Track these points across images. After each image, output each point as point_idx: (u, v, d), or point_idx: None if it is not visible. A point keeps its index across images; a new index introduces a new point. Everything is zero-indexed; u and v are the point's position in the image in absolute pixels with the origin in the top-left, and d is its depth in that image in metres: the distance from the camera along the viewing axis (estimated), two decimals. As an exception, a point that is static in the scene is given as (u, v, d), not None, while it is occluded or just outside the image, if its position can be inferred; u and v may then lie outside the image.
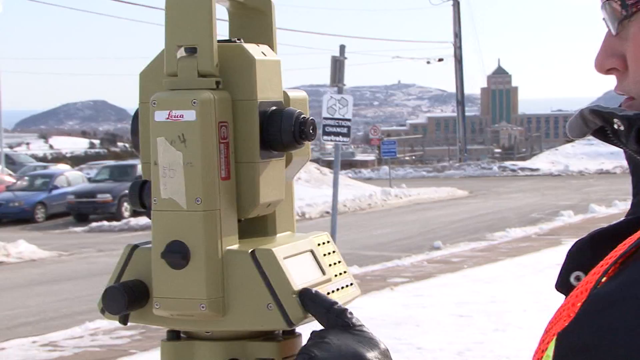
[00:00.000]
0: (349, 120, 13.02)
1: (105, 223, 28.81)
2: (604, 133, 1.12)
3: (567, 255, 1.14)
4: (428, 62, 57.64)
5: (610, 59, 1.08)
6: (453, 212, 28.26)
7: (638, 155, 1.07)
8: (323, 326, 1.31)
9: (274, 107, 1.44)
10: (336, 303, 1.31)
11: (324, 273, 1.46)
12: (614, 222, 1.14)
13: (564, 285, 1.10)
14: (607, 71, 1.09)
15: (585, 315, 0.89)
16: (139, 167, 1.55)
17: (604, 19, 1.08)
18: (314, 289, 1.35)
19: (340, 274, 1.50)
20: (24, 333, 12.41)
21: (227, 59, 1.41)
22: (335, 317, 1.29)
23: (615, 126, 1.08)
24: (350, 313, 1.29)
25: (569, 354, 0.89)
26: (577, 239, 1.15)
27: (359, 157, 65.53)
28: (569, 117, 1.16)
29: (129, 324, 1.47)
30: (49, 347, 11.29)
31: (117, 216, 29.51)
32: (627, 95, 1.08)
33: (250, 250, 1.38)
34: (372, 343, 1.25)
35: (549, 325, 0.95)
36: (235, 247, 1.40)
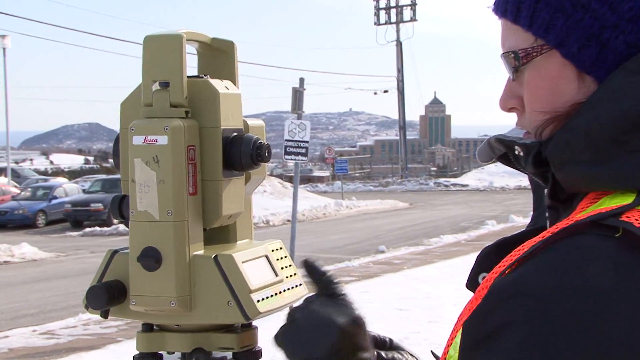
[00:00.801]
0: (307, 142, 13.02)
1: (97, 228, 28.54)
2: (507, 158, 1.13)
3: (476, 259, 1.15)
4: (375, 93, 57.86)
5: (511, 100, 1.10)
6: (395, 221, 28.31)
7: (535, 177, 1.09)
8: (316, 291, 1.26)
9: (235, 134, 1.43)
10: (326, 273, 1.26)
11: (276, 275, 1.46)
12: (516, 232, 1.15)
13: (472, 284, 1.12)
14: (509, 110, 1.11)
15: (484, 308, 0.90)
16: (124, 182, 1.54)
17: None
18: (315, 260, 1.29)
19: (291, 275, 1.50)
20: (25, 323, 12.26)
21: (195, 92, 1.41)
22: (325, 286, 1.24)
23: (516, 152, 1.10)
24: (336, 283, 1.25)
25: (472, 343, 0.90)
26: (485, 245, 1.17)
27: (316, 173, 65.46)
28: None
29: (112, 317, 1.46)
30: (47, 335, 11.16)
31: (108, 222, 29.17)
32: (525, 130, 1.10)
33: (213, 255, 1.38)
34: (348, 311, 1.20)
35: (459, 318, 0.96)
36: (201, 252, 1.39)
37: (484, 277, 1.09)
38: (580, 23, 1.00)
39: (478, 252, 1.17)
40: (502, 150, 1.14)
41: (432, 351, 1.35)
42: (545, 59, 1.04)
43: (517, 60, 1.07)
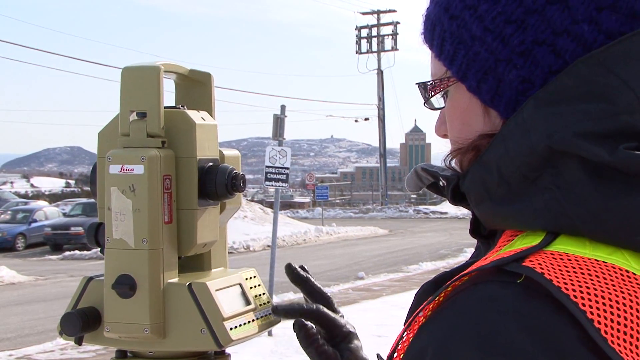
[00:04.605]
0: (287, 168, 13.05)
1: (77, 252, 28.37)
2: (437, 187, 1.12)
3: (414, 298, 1.12)
4: (356, 121, 57.92)
5: (443, 126, 1.07)
6: (375, 248, 28.29)
7: (455, 206, 1.07)
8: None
9: (210, 163, 1.45)
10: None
11: (249, 303, 1.47)
12: (456, 265, 1.11)
13: None
14: (443, 136, 1.08)
15: None
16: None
17: None
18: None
19: (264, 303, 1.52)
20: (2, 347, 12.14)
21: (172, 122, 1.42)
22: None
23: (440, 183, 1.09)
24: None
25: None
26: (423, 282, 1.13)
27: (297, 199, 65.44)
28: None
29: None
30: (24, 360, 11.06)
31: (88, 246, 28.95)
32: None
33: (187, 283, 1.39)
34: None
35: (393, 348, 0.93)
36: (175, 280, 1.40)
37: None
38: (477, 56, 0.96)
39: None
40: (430, 179, 1.12)
41: (378, 354, 1.35)
42: (455, 90, 1.01)
43: (426, 92, 1.05)
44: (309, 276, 1.41)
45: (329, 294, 1.41)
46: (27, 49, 33.73)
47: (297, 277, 1.41)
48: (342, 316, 1.38)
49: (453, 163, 1.04)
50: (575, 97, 0.88)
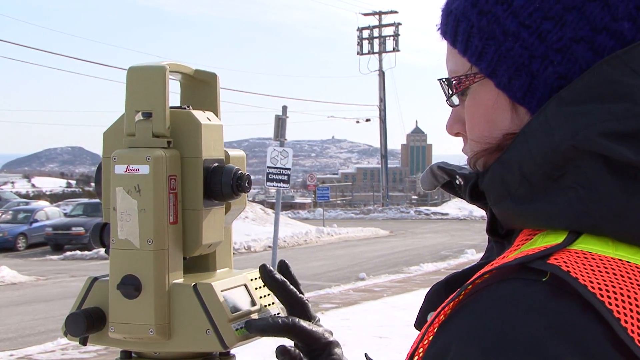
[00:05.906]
0: (289, 169, 13.08)
1: (78, 252, 28.36)
2: (452, 186, 1.11)
3: (424, 298, 1.10)
4: (357, 122, 57.86)
5: (457, 124, 1.06)
6: (376, 249, 28.28)
7: (479, 207, 1.06)
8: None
9: (216, 164, 1.44)
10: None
11: (255, 304, 1.46)
12: (467, 266, 1.10)
13: (421, 324, 1.06)
14: (455, 134, 1.07)
15: None
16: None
17: None
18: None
19: (270, 304, 1.51)
20: (2, 347, 12.14)
21: (177, 122, 1.41)
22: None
23: (457, 182, 1.08)
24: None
25: None
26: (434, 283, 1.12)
27: (298, 200, 65.36)
28: None
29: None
30: (25, 360, 11.05)
31: (89, 247, 28.91)
32: (467, 155, 1.05)
33: (192, 284, 1.38)
34: None
35: (409, 352, 0.92)
36: (180, 281, 1.40)
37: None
38: (510, 52, 0.95)
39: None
40: (445, 178, 1.12)
41: (365, 354, 1.33)
42: (480, 86, 0.99)
43: (450, 88, 1.04)
44: (284, 280, 1.37)
45: (304, 299, 1.37)
46: (28, 49, 33.80)
47: (271, 281, 1.36)
48: (318, 321, 1.36)
49: (478, 164, 1.02)
50: (599, 97, 0.87)
